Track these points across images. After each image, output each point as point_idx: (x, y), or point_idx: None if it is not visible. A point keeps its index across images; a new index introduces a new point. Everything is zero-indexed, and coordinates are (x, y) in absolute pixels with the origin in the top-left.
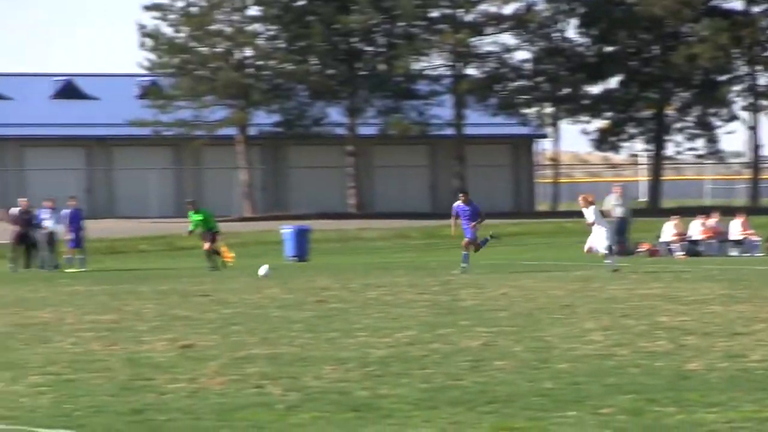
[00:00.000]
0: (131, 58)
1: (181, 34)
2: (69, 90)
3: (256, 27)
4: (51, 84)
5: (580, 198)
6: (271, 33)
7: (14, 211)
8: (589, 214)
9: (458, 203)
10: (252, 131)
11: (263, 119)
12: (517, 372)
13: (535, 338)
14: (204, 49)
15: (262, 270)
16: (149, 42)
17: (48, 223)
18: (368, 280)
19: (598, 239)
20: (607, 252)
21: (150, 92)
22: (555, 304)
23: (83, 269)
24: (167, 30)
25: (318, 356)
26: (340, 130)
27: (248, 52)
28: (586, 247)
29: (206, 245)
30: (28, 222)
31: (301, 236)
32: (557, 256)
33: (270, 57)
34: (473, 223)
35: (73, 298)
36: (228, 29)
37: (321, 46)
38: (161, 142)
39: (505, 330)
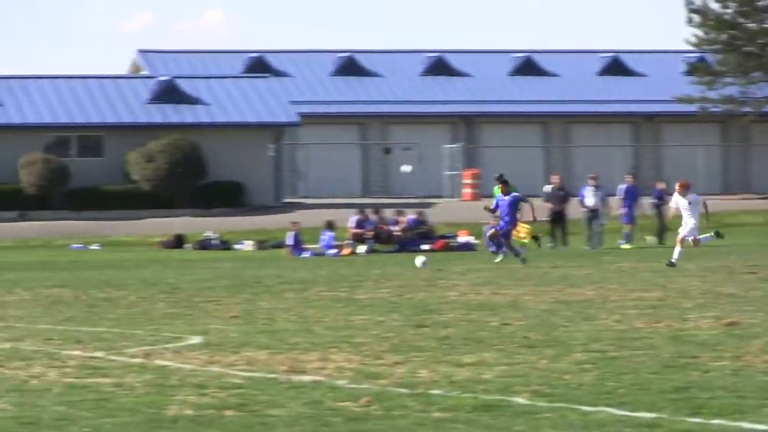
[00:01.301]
0: (678, 34)
1: (729, 10)
2: (616, 67)
3: None
4: (596, 61)
5: (677, 184)
6: None
7: (547, 188)
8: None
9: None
10: None
11: None
12: None
13: None
14: (752, 25)
15: (419, 261)
16: (696, 18)
17: (590, 201)
18: None
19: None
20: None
21: (697, 68)
22: None
23: (631, 245)
24: (715, 6)
25: None
26: None
27: None
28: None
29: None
30: (562, 199)
31: None
32: None
33: None
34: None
35: (618, 275)
36: None
37: None
38: (708, 118)
39: None
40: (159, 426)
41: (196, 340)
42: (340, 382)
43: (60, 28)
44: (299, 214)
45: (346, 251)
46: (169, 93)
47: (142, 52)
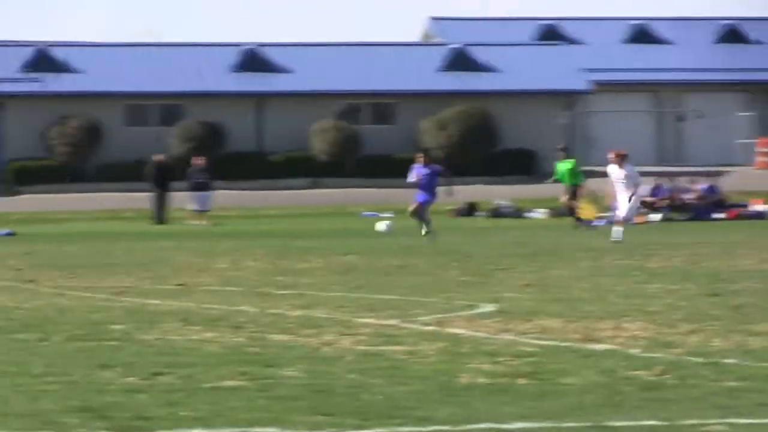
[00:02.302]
0: None
1: None
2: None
3: None
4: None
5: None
6: None
7: None
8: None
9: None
10: None
11: None
12: None
13: None
14: None
15: (381, 226)
16: None
17: None
18: None
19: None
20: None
21: None
22: None
23: None
24: None
25: None
26: None
27: None
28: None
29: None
30: None
31: None
32: None
33: None
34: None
35: None
36: None
37: None
38: None
39: None
40: (452, 394)
41: (489, 307)
42: (634, 351)
43: None
44: (591, 183)
45: (639, 219)
46: (461, 60)
47: (435, 19)
